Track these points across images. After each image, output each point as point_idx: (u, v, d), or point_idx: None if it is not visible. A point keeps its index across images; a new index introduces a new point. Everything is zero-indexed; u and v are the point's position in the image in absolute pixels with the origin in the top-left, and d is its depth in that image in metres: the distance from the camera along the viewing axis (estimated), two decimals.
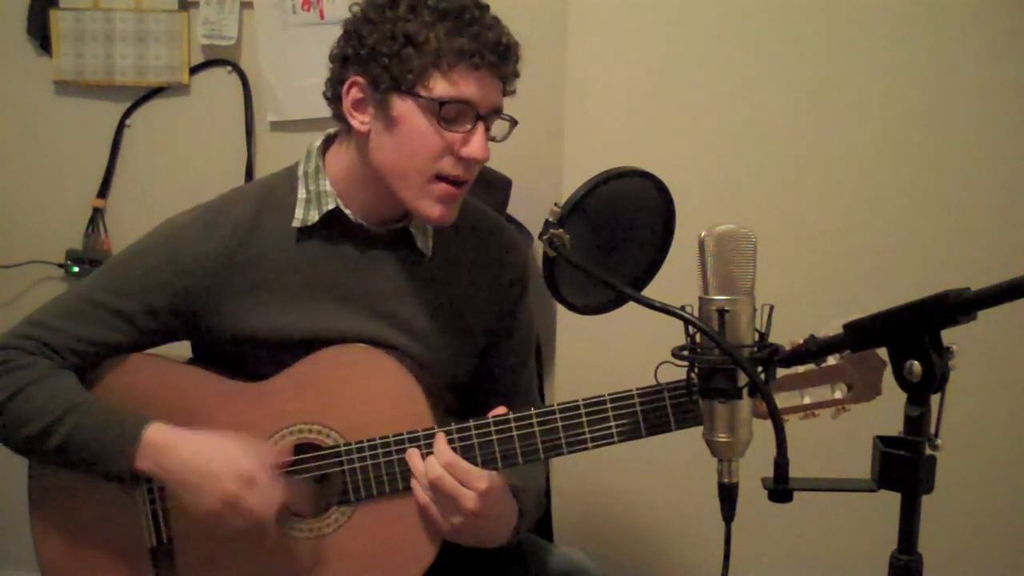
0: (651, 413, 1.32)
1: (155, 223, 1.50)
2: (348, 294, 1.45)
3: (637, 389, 1.32)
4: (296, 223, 1.44)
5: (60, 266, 2.35)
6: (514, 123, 1.41)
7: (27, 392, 1.37)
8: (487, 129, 1.37)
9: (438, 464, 1.33)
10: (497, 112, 1.38)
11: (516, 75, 1.39)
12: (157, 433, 1.36)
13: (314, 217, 1.44)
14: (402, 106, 1.34)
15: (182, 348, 1.53)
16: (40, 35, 2.32)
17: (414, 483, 1.36)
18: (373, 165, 1.39)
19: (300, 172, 1.46)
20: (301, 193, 1.45)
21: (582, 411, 1.34)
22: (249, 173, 2.29)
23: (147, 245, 1.47)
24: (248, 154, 2.28)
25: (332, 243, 1.46)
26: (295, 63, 2.20)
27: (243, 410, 1.42)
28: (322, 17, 2.19)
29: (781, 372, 1.25)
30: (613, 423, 1.33)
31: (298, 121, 2.24)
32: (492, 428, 1.35)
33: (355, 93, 1.37)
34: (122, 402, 1.40)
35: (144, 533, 1.43)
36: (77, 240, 2.36)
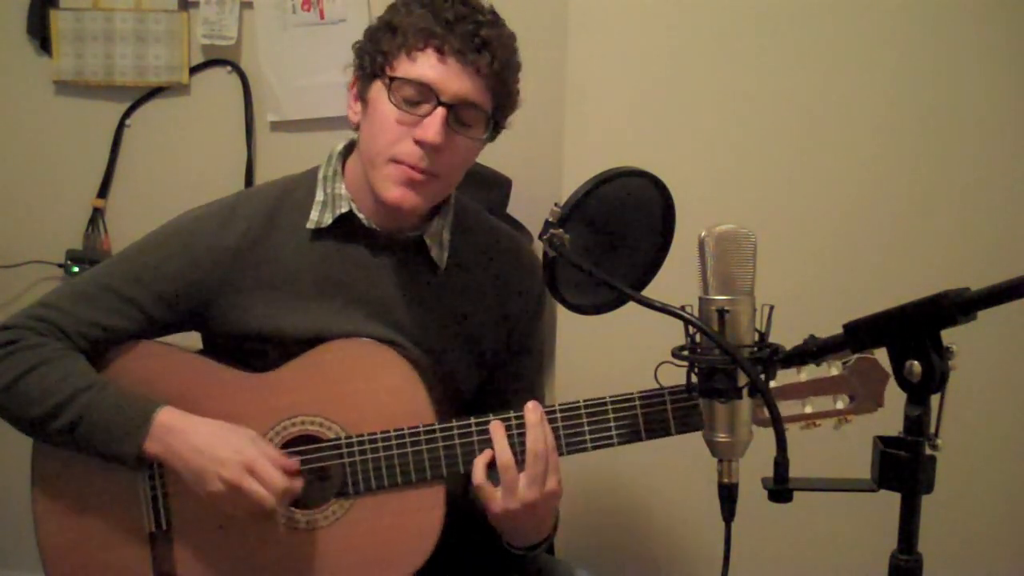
0: (651, 416, 1.32)
1: (155, 223, 1.51)
2: (356, 297, 1.46)
3: (638, 392, 1.32)
4: (311, 224, 1.45)
5: (60, 266, 2.35)
6: (493, 122, 1.39)
7: (38, 371, 1.38)
8: (455, 118, 1.35)
9: (544, 438, 1.31)
10: (469, 105, 1.36)
11: (495, 70, 1.35)
12: (168, 416, 1.37)
13: (328, 219, 1.45)
14: (375, 90, 1.37)
15: (193, 340, 1.53)
16: (40, 35, 2.31)
17: (499, 440, 1.33)
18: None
19: (320, 175, 1.48)
20: (319, 195, 1.46)
21: (582, 412, 1.34)
22: (249, 173, 2.29)
23: (163, 235, 1.49)
24: (248, 154, 2.28)
25: (345, 247, 1.46)
26: (295, 63, 2.20)
27: (246, 400, 1.43)
28: (322, 17, 2.18)
29: (783, 380, 1.26)
30: (613, 425, 1.33)
31: (298, 121, 2.24)
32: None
33: (354, 89, 1.41)
34: (128, 387, 1.42)
35: (143, 517, 1.44)
36: (77, 240, 2.36)
